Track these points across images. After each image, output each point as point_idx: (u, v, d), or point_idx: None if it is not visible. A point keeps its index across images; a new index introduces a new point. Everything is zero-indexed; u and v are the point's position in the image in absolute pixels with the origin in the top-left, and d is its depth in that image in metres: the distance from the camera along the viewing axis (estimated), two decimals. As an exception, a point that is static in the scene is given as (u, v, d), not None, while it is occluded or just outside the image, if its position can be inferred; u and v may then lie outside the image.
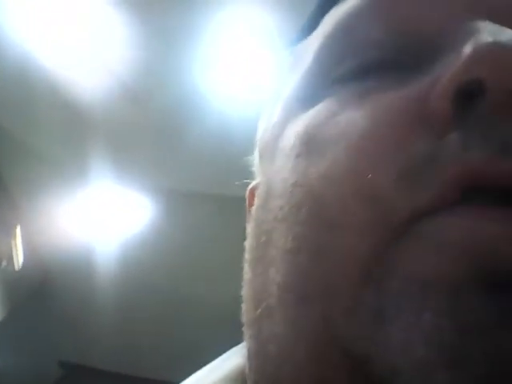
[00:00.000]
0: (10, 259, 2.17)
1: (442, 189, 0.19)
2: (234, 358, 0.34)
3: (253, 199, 0.32)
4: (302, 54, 0.31)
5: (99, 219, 2.21)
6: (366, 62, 0.26)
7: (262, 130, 0.34)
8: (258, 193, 0.31)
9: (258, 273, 0.27)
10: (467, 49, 0.20)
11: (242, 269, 0.31)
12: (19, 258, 2.22)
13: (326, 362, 0.21)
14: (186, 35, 1.51)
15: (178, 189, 2.04)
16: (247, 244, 0.30)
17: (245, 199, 0.35)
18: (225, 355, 0.37)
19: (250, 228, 0.30)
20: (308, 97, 0.28)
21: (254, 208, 0.30)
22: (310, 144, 0.25)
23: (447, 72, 0.21)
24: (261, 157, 0.34)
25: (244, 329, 0.29)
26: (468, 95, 0.20)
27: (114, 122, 1.82)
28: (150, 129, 1.83)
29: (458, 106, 0.20)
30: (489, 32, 0.21)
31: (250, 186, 0.36)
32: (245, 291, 0.29)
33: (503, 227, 0.18)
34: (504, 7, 0.25)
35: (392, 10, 0.26)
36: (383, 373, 0.19)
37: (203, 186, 1.96)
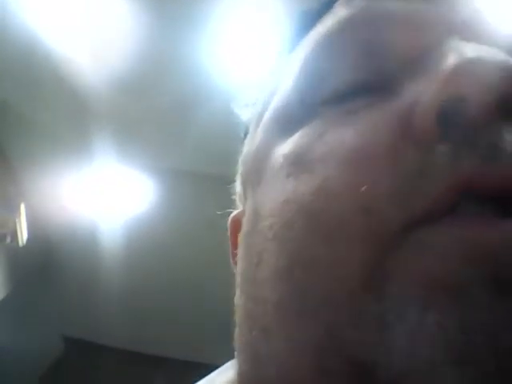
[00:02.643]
0: (15, 235, 2.18)
1: (435, 198, 0.20)
2: (228, 372, 0.35)
3: (236, 228, 0.33)
4: (284, 71, 0.32)
5: (103, 196, 2.22)
6: (346, 83, 0.26)
7: (245, 155, 0.34)
8: (244, 219, 0.31)
9: (249, 296, 0.27)
10: (447, 66, 0.21)
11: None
12: (23, 235, 2.23)
13: (332, 373, 0.21)
14: (192, 17, 1.50)
15: (181, 168, 2.04)
16: (237, 269, 0.30)
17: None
18: (220, 369, 0.37)
19: (239, 254, 0.30)
20: (291, 120, 0.28)
21: (241, 236, 0.30)
22: (299, 164, 0.25)
23: (429, 90, 0.21)
24: (244, 183, 0.34)
25: (236, 353, 0.29)
26: (451, 110, 0.20)
27: (118, 101, 1.82)
28: (154, 108, 1.82)
29: (442, 121, 0.21)
30: (467, 48, 0.22)
31: (232, 216, 0.36)
32: (238, 315, 0.29)
33: (500, 233, 0.19)
34: (477, 25, 0.25)
35: (369, 30, 0.27)
36: (391, 377, 0.19)
37: (207, 166, 1.96)
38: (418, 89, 0.22)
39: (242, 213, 0.32)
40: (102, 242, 2.33)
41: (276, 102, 0.31)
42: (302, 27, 0.32)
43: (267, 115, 0.31)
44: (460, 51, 0.21)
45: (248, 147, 0.34)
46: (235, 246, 0.32)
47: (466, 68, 0.20)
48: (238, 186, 0.36)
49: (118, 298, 2.51)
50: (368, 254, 0.21)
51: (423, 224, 0.20)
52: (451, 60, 0.21)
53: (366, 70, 0.26)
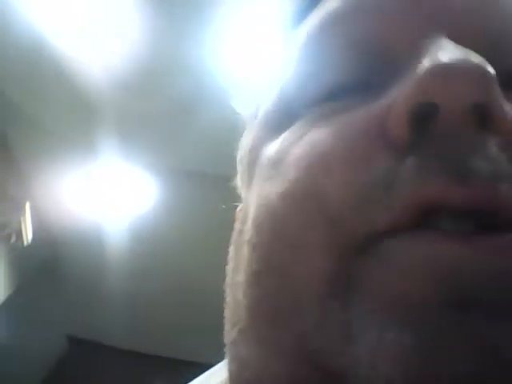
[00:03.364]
0: (19, 235, 2.18)
1: (399, 213, 0.19)
2: (222, 372, 0.35)
3: None
4: (273, 74, 0.31)
5: (107, 196, 2.22)
6: (329, 83, 0.26)
7: (241, 153, 0.34)
8: (237, 218, 0.31)
9: (231, 296, 0.27)
10: (420, 70, 0.20)
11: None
12: (28, 234, 2.23)
13: (303, 379, 0.21)
14: (196, 17, 1.50)
15: (186, 168, 2.04)
16: (227, 268, 0.30)
17: None
18: (212, 369, 0.37)
19: (230, 252, 0.30)
20: (279, 121, 0.28)
21: (233, 233, 0.31)
22: (276, 167, 0.25)
23: (401, 94, 0.21)
24: (241, 179, 0.34)
25: (225, 350, 0.29)
26: (423, 116, 0.20)
27: (123, 100, 1.82)
28: (159, 107, 1.82)
29: (414, 127, 0.20)
30: (443, 51, 0.20)
31: (238, 209, 0.36)
32: (226, 313, 0.29)
33: (461, 249, 0.18)
34: (464, 22, 0.24)
35: (354, 26, 0.26)
36: None
37: (211, 166, 1.96)
38: (394, 91, 0.22)
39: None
40: (106, 242, 2.33)
41: (267, 103, 0.30)
42: (293, 22, 0.32)
43: (259, 115, 0.31)
44: (436, 54, 0.20)
45: (243, 146, 0.34)
46: None
47: (440, 73, 0.20)
48: (238, 182, 0.36)
49: (122, 297, 2.51)
50: (331, 263, 0.20)
51: (386, 236, 0.20)
52: (425, 63, 0.20)
53: (350, 67, 0.25)
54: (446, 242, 0.18)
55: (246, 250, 0.25)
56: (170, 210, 2.20)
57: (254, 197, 0.27)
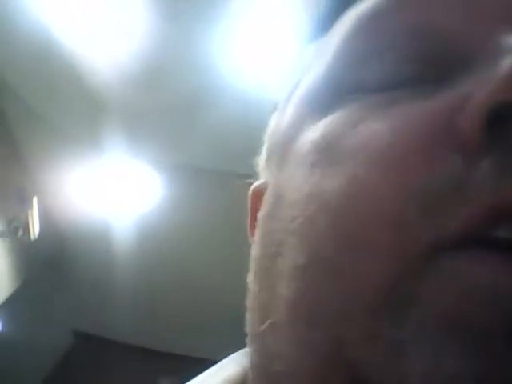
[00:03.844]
0: (26, 229, 2.19)
1: (470, 220, 0.18)
2: (231, 366, 0.33)
3: (257, 201, 0.31)
4: (319, 53, 0.29)
5: (115, 191, 2.22)
6: (390, 69, 0.24)
7: (273, 129, 0.32)
8: (265, 198, 0.29)
9: (264, 285, 0.26)
10: (504, 68, 0.18)
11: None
12: (35, 228, 2.24)
13: None
14: (206, 13, 1.49)
15: (193, 164, 2.04)
16: (253, 253, 0.28)
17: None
18: (223, 362, 0.36)
19: (256, 236, 0.29)
20: (326, 100, 0.26)
21: (260, 215, 0.29)
22: (327, 153, 0.23)
23: (480, 91, 0.19)
24: (269, 157, 0.32)
25: (248, 340, 0.28)
26: (501, 118, 0.18)
27: (130, 97, 1.82)
28: (166, 104, 1.82)
29: (491, 128, 0.18)
30: None
31: (254, 186, 0.34)
32: (250, 302, 0.28)
33: None
34: None
35: (420, 13, 0.24)
36: None
37: (218, 163, 1.96)
38: (468, 87, 0.20)
39: (264, 186, 0.31)
40: (112, 237, 2.34)
41: (309, 82, 0.28)
42: (337, 6, 0.30)
43: (299, 93, 0.29)
44: None
45: (276, 122, 0.31)
46: (255, 218, 0.30)
47: None
48: (262, 159, 0.35)
49: (128, 292, 2.52)
50: (392, 272, 0.19)
51: (450, 249, 0.18)
52: (509, 62, 0.19)
53: (413, 57, 0.23)
54: (508, 267, 0.17)
55: (290, 240, 0.23)
56: (176, 206, 2.20)
57: (296, 180, 0.25)
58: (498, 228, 0.18)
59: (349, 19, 0.28)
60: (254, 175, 0.35)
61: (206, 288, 2.44)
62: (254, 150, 0.36)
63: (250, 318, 0.27)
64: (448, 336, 0.17)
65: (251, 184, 0.35)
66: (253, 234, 0.31)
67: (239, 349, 0.34)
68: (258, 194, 0.32)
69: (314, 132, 0.25)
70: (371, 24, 0.26)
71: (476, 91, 0.19)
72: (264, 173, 0.33)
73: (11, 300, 2.23)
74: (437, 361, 0.17)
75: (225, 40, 1.58)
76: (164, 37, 1.60)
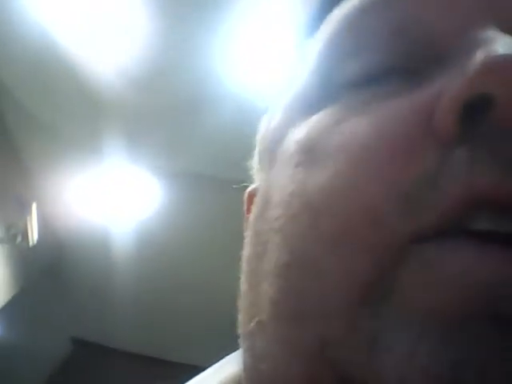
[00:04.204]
0: (25, 235, 2.19)
1: (446, 210, 0.18)
2: (228, 366, 0.34)
3: (251, 204, 0.31)
4: (305, 54, 0.30)
5: (114, 198, 2.23)
6: (372, 65, 0.24)
7: (263, 133, 0.33)
8: (255, 200, 0.29)
9: (252, 285, 0.26)
10: (476, 61, 0.19)
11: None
12: (34, 235, 2.24)
13: (319, 382, 0.21)
14: (207, 19, 1.50)
15: (192, 171, 2.05)
16: (244, 254, 0.29)
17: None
18: (220, 362, 0.36)
19: (247, 237, 0.29)
20: (310, 102, 0.27)
21: (251, 217, 0.29)
22: (310, 153, 0.24)
23: (454, 84, 0.19)
24: (260, 161, 0.32)
25: (239, 341, 0.28)
26: (475, 110, 0.19)
27: (130, 103, 1.83)
28: (166, 111, 1.82)
29: (465, 120, 0.19)
30: (499, 43, 0.20)
31: (248, 190, 0.35)
32: (240, 302, 0.28)
33: (505, 265, 0.17)
34: None
35: (400, 9, 0.25)
36: None
37: (217, 169, 1.96)
38: (443, 81, 0.21)
39: (257, 189, 0.31)
40: (112, 244, 2.34)
41: (297, 83, 0.29)
42: (323, 8, 0.31)
43: (286, 96, 0.30)
44: (492, 45, 0.20)
45: (266, 126, 0.32)
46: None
47: (497, 65, 0.19)
48: (255, 162, 0.35)
49: (127, 300, 2.51)
50: (369, 267, 0.19)
51: (431, 240, 0.19)
52: (481, 55, 0.19)
53: (394, 52, 0.24)
54: (489, 253, 0.18)
55: (274, 239, 0.24)
56: (175, 212, 2.20)
57: (281, 181, 0.25)
58: (474, 219, 0.18)
59: (331, 20, 0.28)
60: (252, 182, 0.36)
61: (205, 295, 2.43)
62: (254, 152, 0.36)
63: (240, 317, 0.28)
64: (424, 324, 0.18)
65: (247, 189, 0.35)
66: None
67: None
68: (251, 198, 0.32)
69: (298, 133, 0.26)
70: (352, 23, 0.26)
71: (449, 86, 0.20)
72: (256, 176, 0.34)
73: (9, 306, 2.22)
74: (413, 349, 0.17)
75: (226, 46, 1.59)
76: (164, 43, 1.60)
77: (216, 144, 1.84)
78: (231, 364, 0.34)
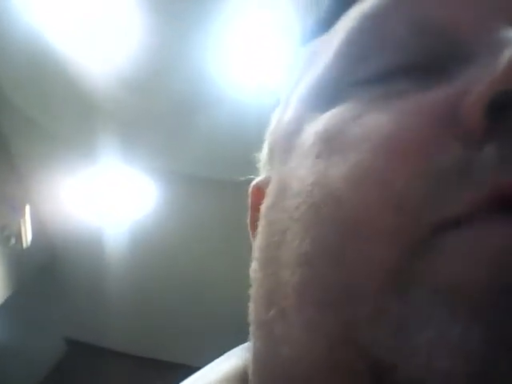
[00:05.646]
0: (19, 237, 2.18)
1: (472, 203, 0.19)
2: (232, 360, 0.34)
3: (258, 196, 0.31)
4: (321, 49, 0.30)
5: (108, 199, 2.22)
6: (391, 62, 0.25)
7: (275, 125, 0.33)
8: (268, 191, 0.29)
9: (269, 273, 0.26)
10: (503, 59, 0.19)
11: (248, 251, 0.31)
12: (28, 236, 2.23)
13: (345, 367, 0.21)
14: (201, 20, 1.50)
15: (186, 172, 2.04)
16: (257, 242, 0.29)
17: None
18: (223, 356, 0.36)
19: (260, 227, 0.29)
20: (329, 95, 0.27)
21: (264, 207, 0.29)
22: (331, 144, 0.24)
23: (483, 79, 0.20)
24: (271, 153, 0.32)
25: (251, 329, 0.28)
26: (504, 105, 0.19)
27: (124, 104, 1.82)
28: (160, 111, 1.82)
29: (493, 116, 0.19)
30: None
31: (255, 182, 0.35)
32: (254, 291, 0.28)
33: None
34: None
35: (420, 7, 0.25)
36: (408, 383, 0.18)
37: (212, 170, 1.96)
38: (469, 77, 0.21)
39: (266, 181, 0.31)
40: (106, 245, 2.33)
41: (311, 78, 0.29)
42: (337, 6, 0.31)
43: (301, 89, 0.30)
44: None
45: (278, 119, 0.32)
46: (255, 215, 0.31)
47: None
48: (263, 154, 0.34)
49: (121, 300, 2.51)
50: (395, 253, 0.20)
51: (453, 228, 0.19)
52: (509, 53, 0.19)
53: (414, 50, 0.24)
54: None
55: (293, 227, 0.24)
56: (170, 213, 2.19)
57: (301, 171, 0.25)
58: (499, 211, 0.18)
59: (350, 18, 0.28)
60: (248, 183, 0.36)
61: (199, 295, 2.43)
62: (249, 158, 0.36)
63: (254, 306, 0.28)
64: (452, 306, 0.18)
65: (247, 189, 0.35)
66: (253, 232, 0.31)
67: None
68: (259, 190, 0.32)
69: (317, 125, 0.26)
70: (372, 21, 0.27)
71: (477, 81, 0.20)
72: (265, 168, 0.33)
73: (3, 308, 2.21)
74: (440, 331, 0.18)
75: (220, 47, 1.59)
76: (159, 44, 1.60)
77: (211, 145, 1.84)
78: (232, 357, 0.34)
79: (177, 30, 1.55)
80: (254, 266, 0.29)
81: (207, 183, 2.02)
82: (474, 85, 0.20)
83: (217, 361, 0.36)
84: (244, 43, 1.57)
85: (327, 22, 0.31)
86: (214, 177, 1.96)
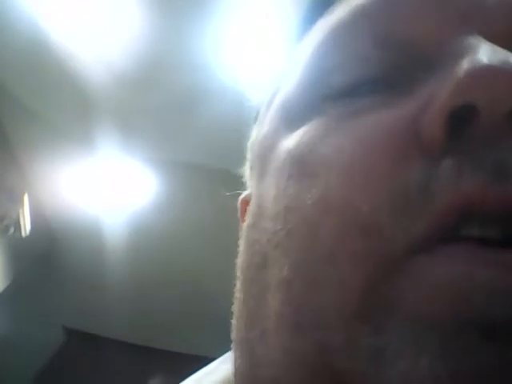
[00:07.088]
0: (18, 226, 2.18)
1: (436, 219, 0.19)
2: (223, 367, 0.34)
3: (244, 211, 0.31)
4: (294, 61, 0.30)
5: (106, 188, 2.22)
6: (355, 78, 0.25)
7: (253, 140, 0.33)
8: (248, 209, 0.30)
9: (252, 294, 0.26)
10: (459, 71, 0.19)
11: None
12: (26, 225, 2.24)
13: None
14: (197, 11, 1.49)
15: (185, 161, 2.04)
16: (239, 262, 0.29)
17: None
18: (221, 359, 0.36)
19: (241, 245, 0.29)
20: (298, 112, 0.27)
21: (245, 225, 0.29)
22: (300, 165, 0.24)
23: (439, 95, 0.20)
24: (251, 168, 0.33)
25: (233, 345, 0.28)
26: (460, 119, 0.19)
27: (122, 94, 1.82)
28: (158, 101, 1.82)
29: (451, 130, 0.19)
30: (482, 52, 0.20)
31: (242, 196, 0.35)
32: (237, 309, 0.28)
33: (499, 271, 0.18)
34: (499, 22, 0.23)
35: (382, 21, 0.25)
36: None
37: (210, 159, 1.96)
38: (430, 90, 0.21)
39: (250, 196, 0.32)
40: (104, 234, 2.33)
41: (283, 93, 0.29)
42: (311, 15, 0.31)
43: (274, 105, 0.30)
44: (475, 55, 0.20)
45: (256, 133, 0.33)
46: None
47: (481, 74, 0.19)
48: (246, 169, 0.35)
49: (119, 289, 2.51)
50: (365, 278, 0.20)
51: (422, 251, 0.19)
52: (464, 64, 0.19)
53: (378, 64, 0.24)
54: (480, 261, 0.18)
55: (273, 253, 0.24)
56: (168, 202, 2.20)
57: (274, 192, 0.26)
58: (464, 227, 0.18)
59: (317, 30, 0.29)
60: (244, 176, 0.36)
61: (197, 285, 2.44)
62: (247, 148, 0.36)
63: (237, 324, 0.28)
64: (422, 339, 0.18)
65: (241, 190, 0.36)
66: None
67: (230, 345, 0.35)
68: (245, 204, 0.32)
69: (287, 144, 0.26)
70: (336, 35, 0.27)
71: (434, 96, 0.20)
72: (249, 183, 0.34)
73: (2, 297, 2.22)
74: (414, 362, 0.18)
75: (218, 38, 1.58)
76: (157, 34, 1.60)
77: (209, 134, 1.84)
78: (226, 364, 0.34)
79: (176, 20, 1.55)
80: (237, 284, 0.29)
81: (206, 172, 2.02)
82: (434, 98, 0.20)
83: (215, 363, 0.36)
84: (242, 33, 1.57)
85: (310, 21, 0.31)
86: (213, 166, 1.96)
